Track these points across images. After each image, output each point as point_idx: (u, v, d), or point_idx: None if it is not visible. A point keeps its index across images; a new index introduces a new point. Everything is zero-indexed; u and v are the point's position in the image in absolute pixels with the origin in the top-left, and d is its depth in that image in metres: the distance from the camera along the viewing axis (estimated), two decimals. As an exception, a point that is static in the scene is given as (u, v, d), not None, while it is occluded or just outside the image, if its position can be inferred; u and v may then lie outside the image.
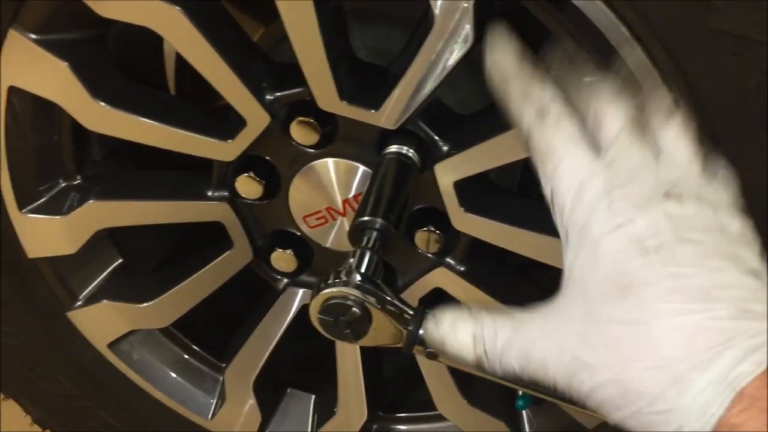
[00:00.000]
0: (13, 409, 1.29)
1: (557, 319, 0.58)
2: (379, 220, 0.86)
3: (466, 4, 0.81)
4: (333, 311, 0.78)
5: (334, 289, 0.78)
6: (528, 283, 1.10)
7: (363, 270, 0.81)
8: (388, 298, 0.78)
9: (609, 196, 0.56)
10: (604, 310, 0.56)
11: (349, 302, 0.78)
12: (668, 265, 0.55)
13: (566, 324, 0.57)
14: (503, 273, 1.09)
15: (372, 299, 0.78)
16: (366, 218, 0.87)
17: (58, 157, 1.08)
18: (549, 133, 0.58)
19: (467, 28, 0.85)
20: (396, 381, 1.25)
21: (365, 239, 0.86)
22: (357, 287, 0.78)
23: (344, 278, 0.79)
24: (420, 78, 0.89)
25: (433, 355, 0.77)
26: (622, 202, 0.56)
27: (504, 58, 0.62)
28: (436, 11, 0.82)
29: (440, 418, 1.17)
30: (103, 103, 0.97)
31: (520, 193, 1.11)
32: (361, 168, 1.00)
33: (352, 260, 0.82)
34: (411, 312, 0.78)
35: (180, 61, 1.25)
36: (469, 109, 1.08)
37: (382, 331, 0.78)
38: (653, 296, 0.54)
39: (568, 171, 0.57)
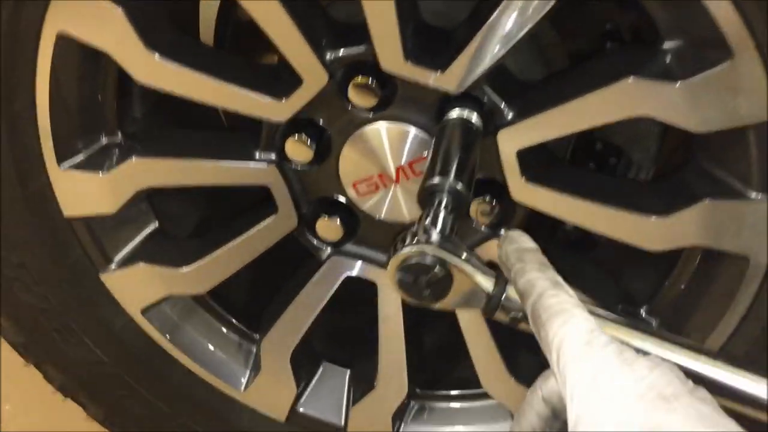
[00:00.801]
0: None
1: None
2: (452, 181, 0.82)
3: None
4: (413, 271, 0.75)
5: (414, 248, 0.75)
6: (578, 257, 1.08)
7: (439, 230, 0.78)
8: (470, 258, 0.75)
9: (618, 346, 0.61)
10: None
11: (431, 262, 0.74)
12: (690, 411, 0.56)
13: None
14: (555, 247, 1.06)
15: (455, 259, 0.74)
16: (437, 180, 0.83)
17: (100, 112, 1.03)
18: (563, 297, 0.66)
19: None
20: (436, 357, 1.22)
21: (436, 201, 0.82)
22: (439, 246, 0.75)
23: (424, 237, 0.75)
24: (490, 42, 0.86)
25: (516, 321, 0.74)
26: (631, 354, 0.60)
27: (524, 238, 0.75)
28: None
29: (482, 396, 1.14)
30: (156, 55, 0.93)
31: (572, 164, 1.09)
32: (418, 134, 0.96)
33: (427, 221, 0.78)
34: (494, 275, 0.75)
35: (222, 13, 1.21)
36: (526, 77, 1.06)
37: (462, 294, 0.75)
38: None
39: (581, 322, 0.63)
